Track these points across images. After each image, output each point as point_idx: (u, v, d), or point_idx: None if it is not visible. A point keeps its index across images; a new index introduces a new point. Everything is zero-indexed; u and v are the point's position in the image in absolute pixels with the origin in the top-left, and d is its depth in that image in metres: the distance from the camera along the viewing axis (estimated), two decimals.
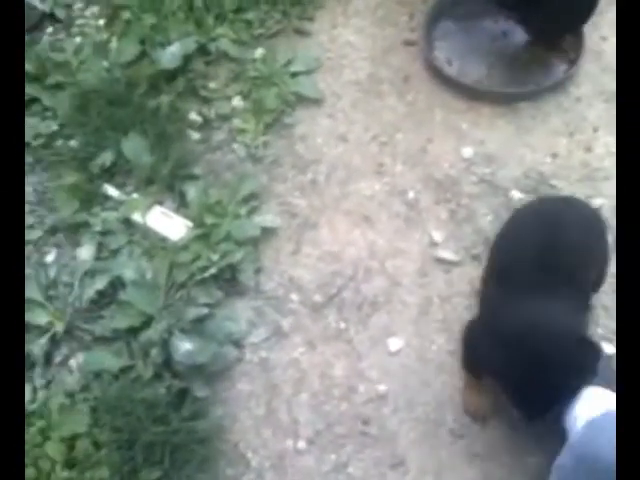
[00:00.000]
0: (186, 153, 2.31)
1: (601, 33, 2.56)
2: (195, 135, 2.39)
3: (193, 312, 1.95)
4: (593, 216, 1.89)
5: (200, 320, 1.96)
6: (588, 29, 2.49)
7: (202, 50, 2.56)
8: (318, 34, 2.66)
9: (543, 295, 1.69)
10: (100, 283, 2.03)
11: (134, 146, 2.27)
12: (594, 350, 1.64)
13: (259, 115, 2.41)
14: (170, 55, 2.49)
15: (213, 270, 2.01)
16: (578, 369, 1.61)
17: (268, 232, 2.15)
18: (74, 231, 2.18)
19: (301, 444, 1.83)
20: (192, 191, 2.20)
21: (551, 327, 1.64)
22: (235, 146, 2.36)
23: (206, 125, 2.42)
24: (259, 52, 2.58)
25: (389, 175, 2.27)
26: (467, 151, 2.30)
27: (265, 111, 2.41)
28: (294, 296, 2.06)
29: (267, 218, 2.17)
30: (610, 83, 2.42)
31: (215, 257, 2.03)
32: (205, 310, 1.97)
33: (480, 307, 1.88)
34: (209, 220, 2.10)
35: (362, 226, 2.18)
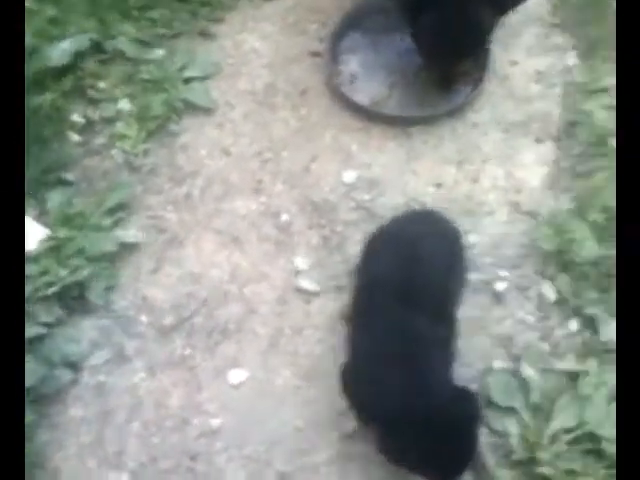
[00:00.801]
0: (62, 156, 2.22)
1: (512, 57, 2.45)
2: (75, 137, 2.29)
3: (31, 331, 1.86)
4: (453, 234, 1.81)
5: (38, 339, 1.87)
6: (497, 51, 2.40)
7: (97, 48, 2.45)
8: (224, 38, 2.55)
9: (406, 342, 1.59)
10: None
11: None
12: (472, 397, 1.57)
13: (143, 121, 2.31)
14: (60, 51, 2.39)
15: (56, 288, 1.92)
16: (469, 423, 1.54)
17: (129, 247, 2.06)
18: None
19: (124, 477, 1.75)
20: (55, 198, 2.11)
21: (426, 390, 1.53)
22: (114, 152, 2.27)
23: (88, 128, 2.32)
24: (159, 53, 2.48)
25: (266, 194, 2.18)
26: (350, 174, 2.20)
27: (150, 117, 2.31)
28: (144, 317, 1.97)
29: (129, 233, 2.08)
30: (511, 111, 2.32)
31: (64, 273, 1.95)
32: (43, 330, 1.88)
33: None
34: (63, 232, 2.01)
35: (230, 247, 2.09)
